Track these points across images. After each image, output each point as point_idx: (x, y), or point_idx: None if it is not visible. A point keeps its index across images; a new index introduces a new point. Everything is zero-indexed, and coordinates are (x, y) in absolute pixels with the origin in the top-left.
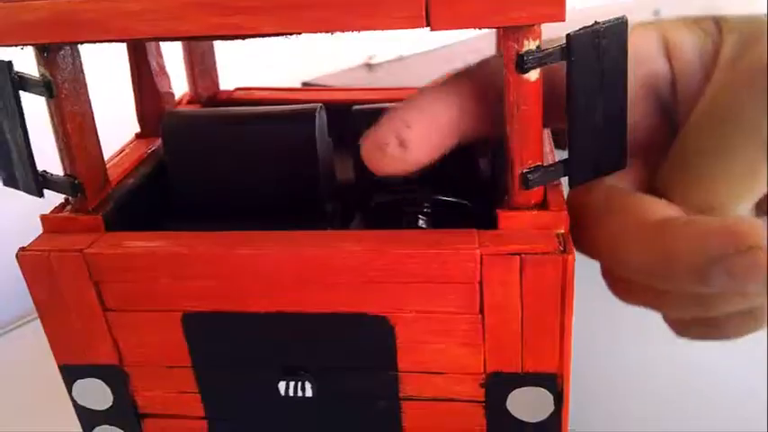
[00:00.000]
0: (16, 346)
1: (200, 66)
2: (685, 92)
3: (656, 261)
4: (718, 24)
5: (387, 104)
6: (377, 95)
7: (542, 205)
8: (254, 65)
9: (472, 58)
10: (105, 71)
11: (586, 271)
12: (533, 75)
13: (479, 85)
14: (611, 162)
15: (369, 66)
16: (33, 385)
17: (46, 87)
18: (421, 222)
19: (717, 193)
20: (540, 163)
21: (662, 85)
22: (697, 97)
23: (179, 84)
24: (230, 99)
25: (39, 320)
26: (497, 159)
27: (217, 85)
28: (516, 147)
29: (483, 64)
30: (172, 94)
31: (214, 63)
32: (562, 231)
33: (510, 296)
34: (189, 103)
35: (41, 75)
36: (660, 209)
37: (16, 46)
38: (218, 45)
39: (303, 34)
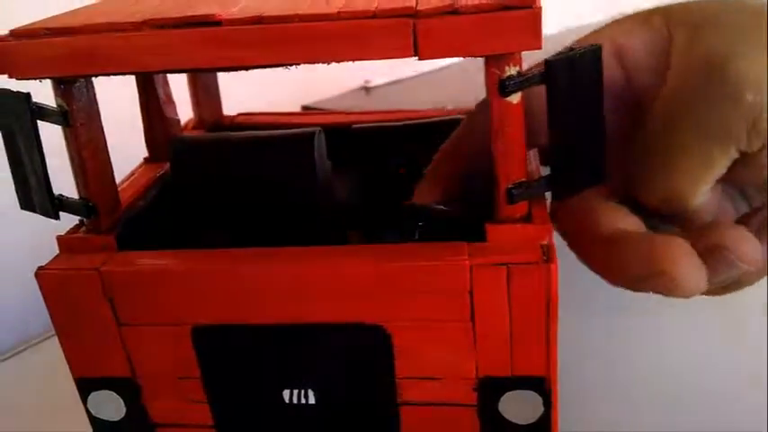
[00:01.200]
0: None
1: (204, 93)
2: (643, 92)
3: (603, 271)
4: (667, 19)
5: (384, 123)
6: (374, 117)
7: (527, 218)
8: (256, 91)
9: (465, 79)
10: (115, 100)
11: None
12: (515, 98)
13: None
14: (590, 177)
15: (366, 89)
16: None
17: (63, 117)
18: (416, 236)
19: (675, 187)
20: (524, 179)
21: (619, 89)
22: (655, 95)
23: (184, 109)
24: (233, 124)
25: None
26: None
27: (220, 110)
28: (502, 165)
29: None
30: (178, 121)
31: (217, 90)
32: (546, 242)
33: (498, 304)
34: (194, 128)
35: (59, 105)
36: (612, 222)
37: (36, 78)
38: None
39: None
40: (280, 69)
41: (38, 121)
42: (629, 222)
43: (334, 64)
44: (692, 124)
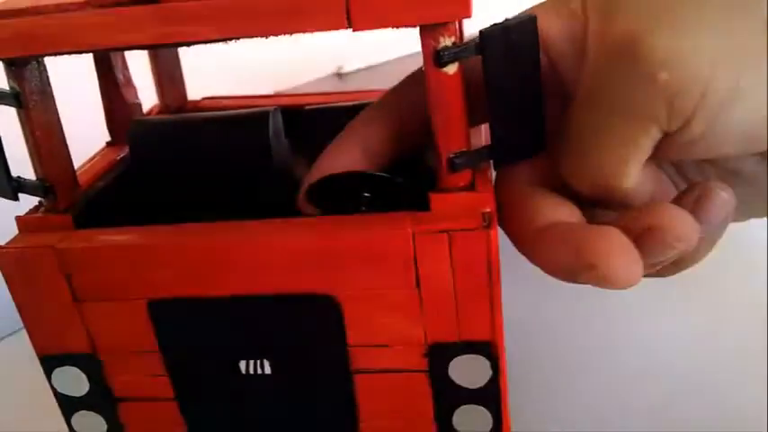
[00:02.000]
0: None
1: (167, 78)
2: (568, 76)
3: (536, 262)
4: (583, 2)
5: (336, 104)
6: (338, 98)
7: (470, 187)
8: (228, 79)
9: None
10: (80, 85)
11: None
12: (451, 68)
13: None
14: (530, 145)
15: (339, 75)
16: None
17: (15, 99)
18: (362, 208)
19: (602, 170)
20: (465, 148)
21: (546, 76)
22: (577, 81)
23: (149, 95)
24: (198, 108)
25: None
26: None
27: (184, 95)
28: (442, 134)
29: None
30: (139, 105)
31: (181, 75)
32: (488, 210)
33: (441, 270)
34: (159, 113)
35: (11, 87)
36: (543, 213)
37: None
38: (190, 59)
39: (243, 40)
40: (251, 57)
41: None
42: (561, 212)
43: (305, 50)
44: (612, 106)
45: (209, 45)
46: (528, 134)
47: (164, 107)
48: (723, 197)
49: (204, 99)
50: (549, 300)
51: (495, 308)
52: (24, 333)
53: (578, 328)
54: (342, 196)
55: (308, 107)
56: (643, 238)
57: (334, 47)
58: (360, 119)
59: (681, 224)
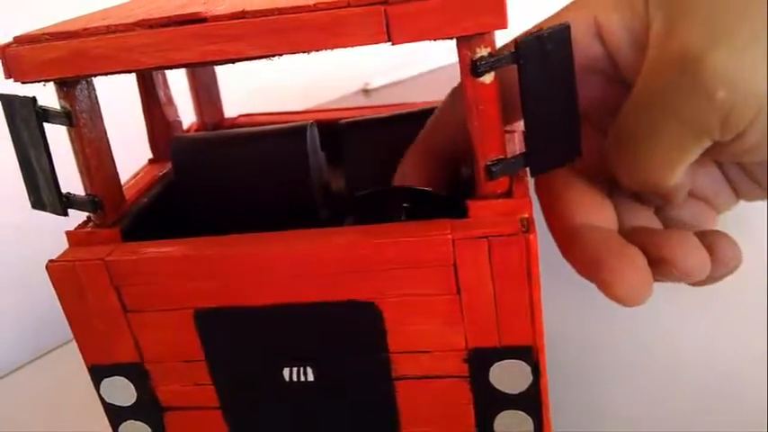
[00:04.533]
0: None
1: (205, 96)
2: (626, 66)
3: (565, 256)
4: (646, 1)
5: (371, 116)
6: (368, 112)
7: (508, 194)
8: (257, 97)
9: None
10: (123, 106)
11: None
12: (488, 78)
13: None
14: (566, 152)
15: (365, 91)
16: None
17: (67, 117)
18: (402, 218)
19: (650, 172)
20: (502, 156)
21: (602, 65)
22: (637, 72)
23: (188, 116)
24: (235, 125)
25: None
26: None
27: (221, 113)
28: (479, 142)
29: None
30: (180, 122)
31: (218, 93)
32: (526, 216)
33: (482, 276)
34: (197, 130)
35: (62, 107)
36: (583, 211)
37: (39, 82)
38: (223, 80)
39: (285, 56)
40: (279, 76)
41: (44, 124)
42: (598, 215)
43: (332, 68)
44: (667, 110)
45: (240, 64)
46: (564, 141)
47: (202, 124)
48: (734, 249)
49: (240, 116)
50: (584, 302)
51: (535, 312)
52: (70, 346)
53: (613, 328)
54: (382, 209)
55: (343, 120)
56: (657, 265)
57: (361, 63)
58: (426, 131)
59: (692, 260)
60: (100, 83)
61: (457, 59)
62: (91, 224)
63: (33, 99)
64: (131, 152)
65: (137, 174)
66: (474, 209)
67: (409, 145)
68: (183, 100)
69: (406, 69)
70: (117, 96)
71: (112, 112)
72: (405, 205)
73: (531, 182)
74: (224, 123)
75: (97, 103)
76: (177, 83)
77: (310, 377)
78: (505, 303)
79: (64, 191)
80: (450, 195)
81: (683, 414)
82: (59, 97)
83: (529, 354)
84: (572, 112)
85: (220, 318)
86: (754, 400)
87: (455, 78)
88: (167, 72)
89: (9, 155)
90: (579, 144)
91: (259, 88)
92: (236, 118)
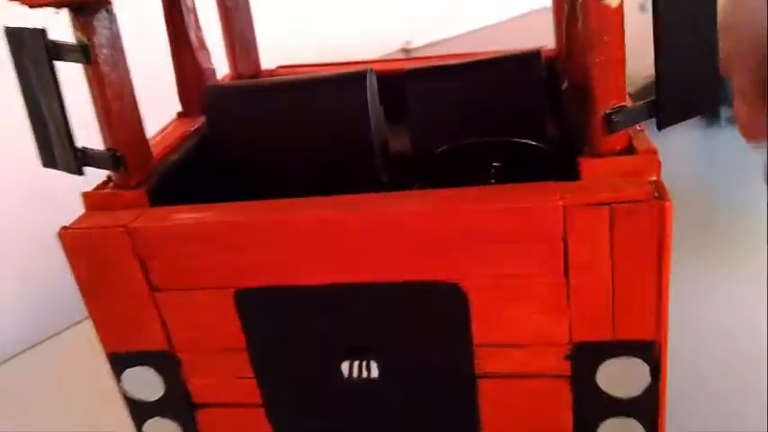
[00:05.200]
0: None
1: (241, 45)
2: None
3: None
4: None
5: (439, 64)
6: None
7: (629, 151)
8: (294, 58)
9: (506, 39)
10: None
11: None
12: (614, 1)
13: None
14: (702, 103)
15: (406, 51)
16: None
17: (83, 52)
18: (492, 181)
19: None
20: (624, 103)
21: None
22: None
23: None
24: (273, 77)
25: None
26: (569, 105)
27: (258, 64)
28: (599, 84)
29: None
30: (213, 70)
31: (255, 41)
32: (655, 178)
33: (599, 253)
34: None
35: (78, 39)
36: None
37: (51, 5)
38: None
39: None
40: (316, 34)
41: (56, 62)
42: None
43: (370, 25)
44: None
45: (275, 22)
46: (700, 88)
47: (236, 76)
48: None
49: (280, 67)
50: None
51: (663, 300)
52: (85, 325)
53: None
54: (463, 169)
55: (409, 68)
56: None
57: (401, 22)
58: None
59: None
60: (122, 20)
61: (500, 20)
62: (111, 185)
63: (42, 32)
64: (156, 106)
65: (164, 129)
66: (588, 168)
67: (487, 97)
68: (217, 51)
69: (449, 29)
70: (140, 41)
71: (136, 58)
72: (495, 164)
73: None
74: (261, 76)
75: (119, 36)
76: (210, 33)
77: (374, 373)
78: (626, 288)
79: (79, 145)
80: (552, 150)
81: (683, 414)
82: (75, 28)
83: (650, 351)
84: (712, 53)
85: (266, 299)
86: (754, 400)
87: (497, 40)
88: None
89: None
90: (717, 95)
91: (293, 48)
92: (274, 69)
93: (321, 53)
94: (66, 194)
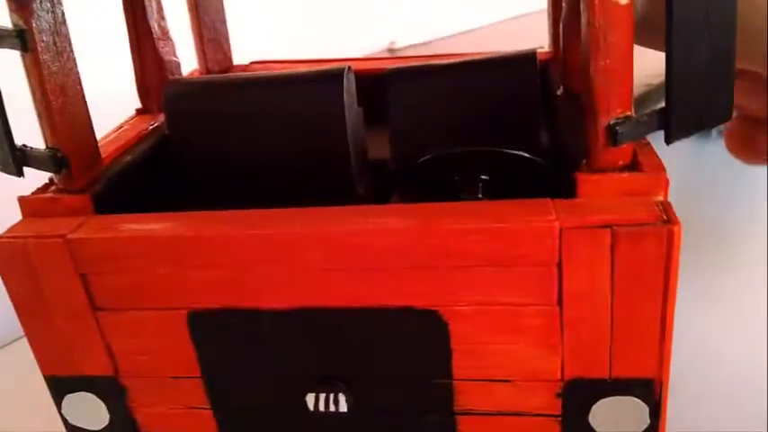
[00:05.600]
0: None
1: (211, 35)
2: None
3: None
4: None
5: (423, 64)
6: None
7: (633, 167)
8: (279, 56)
9: (494, 43)
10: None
11: None
12: None
13: None
14: (715, 113)
15: (391, 51)
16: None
17: (20, 38)
18: (479, 196)
19: None
20: (630, 113)
21: None
22: None
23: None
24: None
25: None
26: (566, 113)
27: (229, 58)
28: (602, 90)
29: None
30: (177, 63)
31: (226, 34)
32: (662, 199)
33: (598, 280)
34: None
35: (14, 23)
36: None
37: None
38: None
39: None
40: (300, 33)
41: None
42: None
43: (355, 24)
44: None
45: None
46: (714, 97)
47: (205, 71)
48: None
49: (253, 63)
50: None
51: (666, 335)
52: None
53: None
54: (448, 182)
55: (391, 68)
56: None
57: (387, 21)
58: None
59: None
60: (71, 5)
61: (491, 22)
62: (54, 188)
63: None
64: (113, 103)
65: (120, 127)
66: (586, 185)
67: (476, 102)
68: (184, 43)
69: (436, 29)
70: (93, 27)
71: (87, 47)
72: (483, 177)
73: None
74: (233, 71)
75: (64, 23)
76: (177, 22)
77: (342, 407)
78: (626, 320)
79: (19, 142)
80: (549, 163)
81: (683, 413)
82: (10, 10)
83: (649, 389)
84: (728, 59)
85: (224, 322)
86: (754, 400)
87: (488, 42)
88: (163, 2)
89: None
90: (731, 103)
91: (272, 45)
92: (247, 65)
93: (302, 51)
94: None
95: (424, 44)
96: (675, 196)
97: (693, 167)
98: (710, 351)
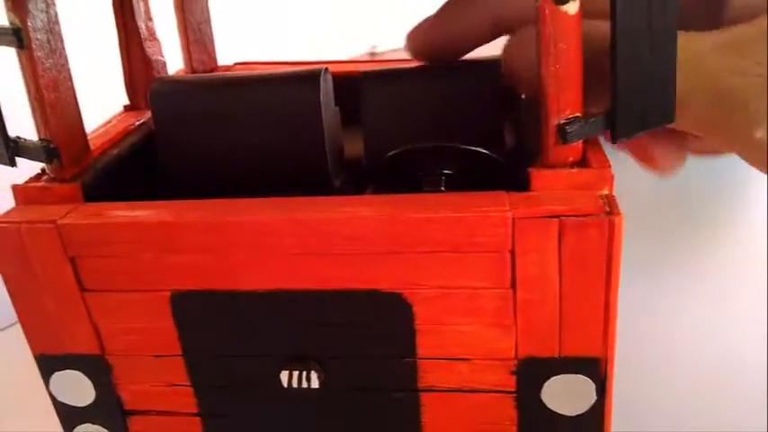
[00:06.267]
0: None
1: (196, 36)
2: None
3: None
4: None
5: (396, 68)
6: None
7: (582, 163)
8: (257, 57)
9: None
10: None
11: None
12: (572, 7)
13: None
14: (658, 114)
15: (372, 55)
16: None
17: (15, 36)
18: (442, 187)
19: None
20: (579, 114)
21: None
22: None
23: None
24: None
25: None
26: (526, 114)
27: (214, 59)
28: (553, 92)
29: None
30: (163, 63)
31: (211, 35)
32: (606, 192)
33: (547, 266)
34: None
35: (10, 22)
36: None
37: None
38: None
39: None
40: (283, 37)
41: None
42: None
43: (336, 27)
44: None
45: (235, 21)
46: (657, 99)
47: (190, 71)
48: None
49: (237, 64)
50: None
51: (610, 317)
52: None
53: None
54: (414, 176)
55: (364, 71)
56: None
57: (368, 25)
58: None
59: None
60: (63, 6)
61: None
62: (46, 177)
63: None
64: (102, 100)
65: (107, 122)
66: (538, 180)
67: (444, 104)
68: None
69: None
70: (85, 29)
71: (79, 47)
72: (445, 172)
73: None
74: (217, 72)
75: (57, 22)
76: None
77: (314, 383)
78: (573, 303)
79: (13, 135)
80: (506, 160)
81: (682, 413)
82: (7, 9)
83: (596, 368)
84: (670, 61)
85: (204, 304)
86: (754, 400)
87: None
88: (151, 3)
89: None
90: (674, 105)
91: (254, 52)
92: (230, 66)
93: (284, 55)
94: None
95: (403, 49)
96: (679, 195)
97: (695, 166)
98: (711, 351)
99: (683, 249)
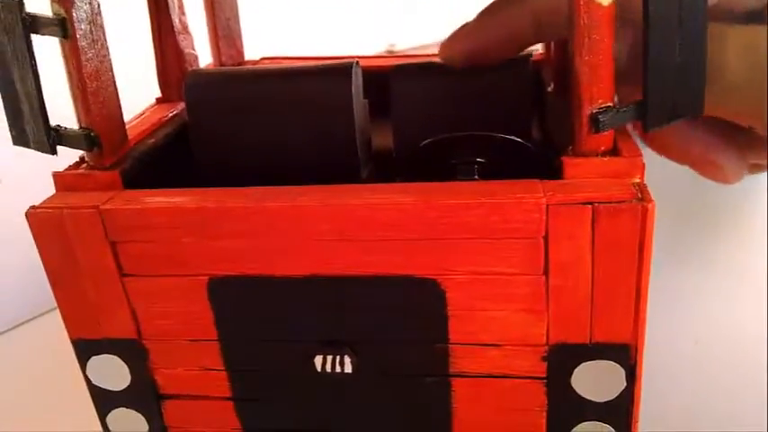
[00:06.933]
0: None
1: (225, 34)
2: None
3: None
4: None
5: (426, 61)
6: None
7: (614, 152)
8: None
9: None
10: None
11: None
12: None
13: None
14: (688, 105)
15: (390, 53)
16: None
17: (60, 26)
18: (476, 176)
19: None
20: (611, 103)
21: None
22: None
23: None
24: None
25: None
26: (553, 108)
27: (242, 54)
28: (586, 82)
29: None
30: (195, 56)
31: (239, 30)
32: (638, 180)
33: (579, 253)
34: None
35: (55, 12)
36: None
37: None
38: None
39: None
40: (302, 36)
41: (32, 35)
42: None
43: (354, 26)
44: None
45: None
46: (687, 90)
47: (219, 65)
48: None
49: (264, 58)
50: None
51: (641, 304)
52: (51, 316)
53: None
54: (446, 165)
55: (397, 64)
56: None
57: (387, 23)
58: None
59: None
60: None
61: None
62: (85, 165)
63: (20, 3)
64: (136, 92)
65: (141, 114)
66: (571, 168)
67: (473, 98)
68: (201, 41)
69: (435, 33)
70: (122, 23)
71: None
72: (479, 160)
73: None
74: (245, 66)
75: (99, 13)
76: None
77: (347, 368)
78: (605, 290)
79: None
80: (539, 149)
81: (682, 413)
82: (52, 1)
83: (626, 354)
84: (700, 54)
85: (240, 289)
86: (753, 399)
87: None
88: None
89: None
90: (703, 97)
91: (273, 49)
92: (258, 61)
93: (303, 52)
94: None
95: (423, 47)
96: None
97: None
98: (710, 351)
99: (683, 249)
